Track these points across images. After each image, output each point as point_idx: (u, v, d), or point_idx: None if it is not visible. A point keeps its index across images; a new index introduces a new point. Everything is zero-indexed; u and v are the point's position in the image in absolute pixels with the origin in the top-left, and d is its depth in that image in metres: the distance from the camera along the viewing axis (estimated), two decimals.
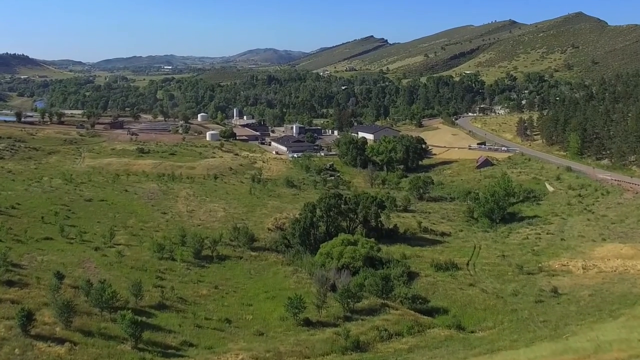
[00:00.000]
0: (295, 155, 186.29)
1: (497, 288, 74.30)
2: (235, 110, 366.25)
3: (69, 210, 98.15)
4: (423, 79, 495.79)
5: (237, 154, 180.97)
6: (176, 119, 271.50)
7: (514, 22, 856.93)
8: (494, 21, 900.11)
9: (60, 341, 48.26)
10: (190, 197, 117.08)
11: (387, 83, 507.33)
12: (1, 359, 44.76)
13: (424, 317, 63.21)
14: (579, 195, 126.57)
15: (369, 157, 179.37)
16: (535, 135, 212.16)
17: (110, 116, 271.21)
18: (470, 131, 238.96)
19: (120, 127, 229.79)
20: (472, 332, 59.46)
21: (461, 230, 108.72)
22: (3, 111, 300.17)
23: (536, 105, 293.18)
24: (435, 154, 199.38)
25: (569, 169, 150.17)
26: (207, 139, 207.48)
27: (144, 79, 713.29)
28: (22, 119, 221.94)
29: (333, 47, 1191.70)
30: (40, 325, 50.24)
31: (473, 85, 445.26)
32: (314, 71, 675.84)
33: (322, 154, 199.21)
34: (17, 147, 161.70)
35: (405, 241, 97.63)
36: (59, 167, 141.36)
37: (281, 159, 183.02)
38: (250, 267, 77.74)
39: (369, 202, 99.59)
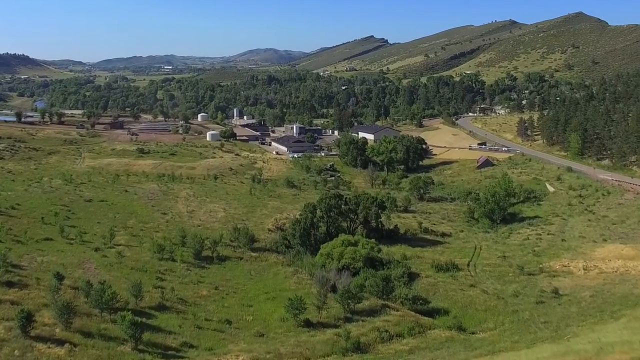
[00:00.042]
0: (295, 156, 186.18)
1: (498, 289, 74.16)
2: (235, 110, 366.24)
3: (69, 210, 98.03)
4: (423, 79, 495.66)
5: (237, 154, 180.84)
6: (176, 119, 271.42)
7: (514, 22, 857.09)
8: (494, 21, 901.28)
9: (60, 342, 48.16)
10: (190, 197, 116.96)
11: (387, 83, 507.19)
12: None
13: (425, 318, 63.06)
14: (580, 195, 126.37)
15: (370, 158, 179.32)
16: (535, 135, 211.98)
17: (111, 116, 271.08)
18: (470, 131, 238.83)
19: (121, 127, 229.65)
20: (473, 333, 59.30)
21: (462, 231, 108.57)
22: (3, 111, 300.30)
23: (536, 106, 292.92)
24: (435, 154, 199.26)
25: (569, 170, 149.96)
26: (208, 139, 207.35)
27: (144, 79, 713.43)
28: (22, 119, 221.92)
29: (333, 47, 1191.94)
30: (40, 326, 50.17)
31: (473, 85, 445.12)
32: (314, 71, 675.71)
33: (323, 154, 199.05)
34: (17, 147, 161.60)
35: (405, 242, 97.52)
36: (59, 167, 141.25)
37: (281, 159, 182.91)
38: (251, 267, 77.62)
39: (370, 203, 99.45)
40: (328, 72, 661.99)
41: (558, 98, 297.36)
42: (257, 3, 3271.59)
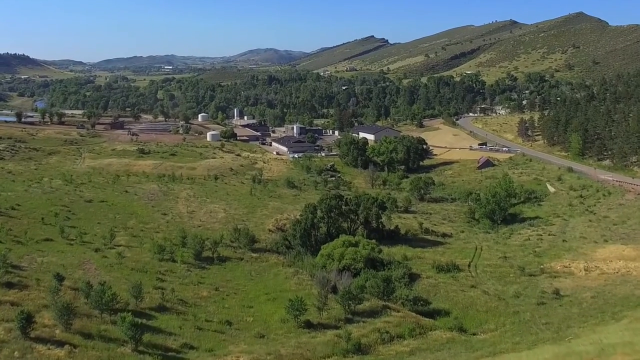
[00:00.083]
0: (296, 156, 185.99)
1: (499, 290, 74.04)
2: (235, 110, 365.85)
3: (69, 211, 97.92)
4: (424, 79, 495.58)
5: (237, 155, 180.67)
6: (177, 119, 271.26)
7: (515, 22, 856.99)
8: (494, 21, 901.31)
9: (60, 344, 48.02)
10: (190, 198, 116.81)
11: (387, 83, 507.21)
12: None
13: (426, 319, 62.92)
14: (581, 196, 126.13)
15: (370, 158, 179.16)
16: (536, 135, 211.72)
17: (111, 116, 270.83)
18: (471, 131, 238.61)
19: (121, 128, 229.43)
20: (474, 334, 59.16)
21: (462, 232, 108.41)
22: (3, 111, 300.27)
23: (537, 106, 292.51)
24: (436, 155, 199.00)
25: (570, 170, 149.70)
26: (208, 139, 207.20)
27: (145, 79, 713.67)
28: (23, 119, 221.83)
29: (334, 47, 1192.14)
30: (39, 327, 50.05)
31: (474, 85, 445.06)
32: (315, 71, 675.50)
33: (323, 154, 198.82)
34: (18, 147, 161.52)
35: (406, 242, 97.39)
36: (59, 167, 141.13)
37: (282, 159, 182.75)
38: (251, 268, 77.49)
39: (370, 203, 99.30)
40: (328, 72, 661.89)
41: (559, 98, 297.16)
42: (257, 3, 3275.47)
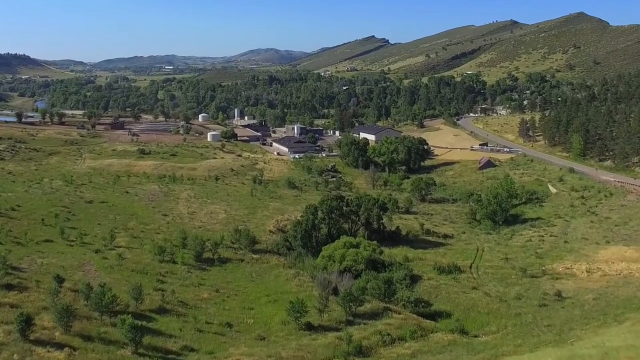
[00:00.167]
0: (296, 156, 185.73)
1: (501, 291, 73.76)
2: (236, 110, 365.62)
3: (70, 212, 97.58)
4: (424, 79, 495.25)
5: (238, 155, 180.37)
6: (177, 120, 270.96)
7: (515, 22, 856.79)
8: (495, 21, 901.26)
9: (60, 346, 47.66)
10: (191, 198, 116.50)
11: (388, 83, 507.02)
12: None
13: (427, 321, 62.61)
14: (582, 197, 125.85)
15: (371, 158, 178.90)
16: (537, 136, 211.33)
17: (111, 116, 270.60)
18: (472, 132, 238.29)
19: (121, 128, 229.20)
20: (476, 336, 58.88)
21: (464, 232, 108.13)
22: (4, 111, 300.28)
23: (538, 106, 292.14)
24: (437, 155, 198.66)
25: (571, 170, 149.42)
26: (208, 139, 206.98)
27: (145, 79, 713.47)
28: (23, 120, 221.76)
29: (334, 47, 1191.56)
30: (39, 329, 49.71)
31: (474, 85, 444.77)
32: (315, 71, 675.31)
33: (324, 154, 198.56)
34: (18, 147, 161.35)
35: (407, 243, 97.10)
36: (59, 168, 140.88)
37: (282, 159, 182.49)
38: (252, 270, 77.17)
39: (371, 204, 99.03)
40: (329, 72, 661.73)
41: (559, 98, 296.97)
42: (258, 3, 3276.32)
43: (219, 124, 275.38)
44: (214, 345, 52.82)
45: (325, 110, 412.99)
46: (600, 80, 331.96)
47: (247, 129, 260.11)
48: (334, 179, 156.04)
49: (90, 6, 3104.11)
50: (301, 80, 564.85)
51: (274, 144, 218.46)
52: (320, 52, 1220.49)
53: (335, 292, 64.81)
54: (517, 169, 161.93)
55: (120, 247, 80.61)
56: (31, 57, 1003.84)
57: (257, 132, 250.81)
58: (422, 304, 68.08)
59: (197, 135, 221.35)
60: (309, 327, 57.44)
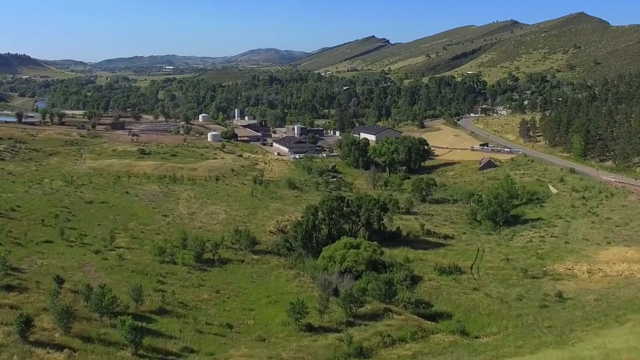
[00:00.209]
0: (297, 157, 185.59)
1: (502, 292, 73.59)
2: (236, 110, 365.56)
3: (70, 212, 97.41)
4: (425, 80, 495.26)
5: (239, 155, 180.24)
6: (177, 120, 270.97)
7: (516, 22, 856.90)
8: (495, 21, 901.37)
9: (60, 347, 47.50)
10: (191, 199, 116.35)
11: (388, 83, 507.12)
12: None
13: (428, 322, 62.42)
14: (583, 197, 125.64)
15: (371, 159, 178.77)
16: (538, 136, 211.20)
17: (112, 117, 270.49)
18: (472, 132, 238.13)
19: (122, 128, 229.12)
20: (477, 337, 58.71)
21: (464, 233, 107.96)
22: (4, 111, 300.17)
23: (538, 106, 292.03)
24: (437, 156, 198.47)
25: (572, 171, 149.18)
26: (209, 139, 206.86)
27: (146, 79, 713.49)
28: (23, 120, 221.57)
29: (335, 47, 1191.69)
30: (39, 331, 49.56)
31: (475, 85, 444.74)
32: (316, 71, 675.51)
33: (324, 155, 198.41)
34: (18, 148, 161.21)
35: (408, 244, 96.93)
36: (59, 168, 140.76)
37: (283, 160, 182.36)
38: (252, 270, 77.00)
39: (372, 205, 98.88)
40: (329, 73, 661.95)
41: (560, 99, 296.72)
42: (258, 3, 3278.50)
43: (219, 124, 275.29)
44: (214, 346, 52.66)
45: (326, 111, 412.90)
46: (600, 80, 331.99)
47: (248, 129, 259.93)
48: (335, 179, 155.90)
49: (90, 6, 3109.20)
50: (301, 81, 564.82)
51: (274, 144, 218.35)
52: (320, 52, 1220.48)
53: (336, 293, 64.64)
54: (517, 170, 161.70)
55: (120, 247, 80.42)
56: (31, 57, 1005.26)
57: (258, 132, 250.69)
58: (423, 305, 67.91)
59: (197, 135, 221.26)
60: (310, 328, 57.28)
